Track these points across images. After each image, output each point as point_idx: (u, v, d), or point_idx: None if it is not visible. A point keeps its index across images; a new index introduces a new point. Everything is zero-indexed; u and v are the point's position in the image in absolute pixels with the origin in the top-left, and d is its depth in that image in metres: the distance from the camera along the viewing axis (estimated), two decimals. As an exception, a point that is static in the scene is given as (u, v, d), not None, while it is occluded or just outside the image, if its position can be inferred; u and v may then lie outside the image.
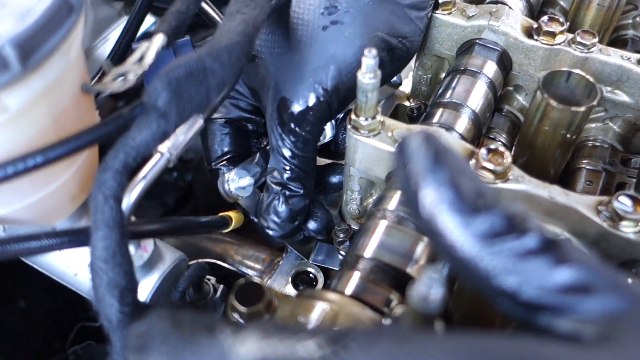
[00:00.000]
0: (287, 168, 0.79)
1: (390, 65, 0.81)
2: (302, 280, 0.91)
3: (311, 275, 0.91)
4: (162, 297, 0.72)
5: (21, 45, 0.43)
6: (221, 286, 0.81)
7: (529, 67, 0.94)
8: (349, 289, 0.67)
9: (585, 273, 0.32)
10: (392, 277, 0.64)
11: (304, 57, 0.75)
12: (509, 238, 0.33)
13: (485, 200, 0.35)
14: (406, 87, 1.13)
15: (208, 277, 0.79)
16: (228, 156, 0.86)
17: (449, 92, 0.90)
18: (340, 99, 0.78)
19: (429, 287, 0.35)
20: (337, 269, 0.90)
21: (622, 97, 0.91)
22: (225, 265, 0.96)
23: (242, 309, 0.58)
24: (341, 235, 0.87)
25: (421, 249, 0.69)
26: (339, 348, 0.29)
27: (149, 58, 0.59)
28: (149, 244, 0.69)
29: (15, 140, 0.49)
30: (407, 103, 1.10)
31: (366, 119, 0.76)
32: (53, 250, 0.58)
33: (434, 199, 0.35)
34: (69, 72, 0.52)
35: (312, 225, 0.85)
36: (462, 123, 0.86)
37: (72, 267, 0.70)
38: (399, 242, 0.70)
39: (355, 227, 0.90)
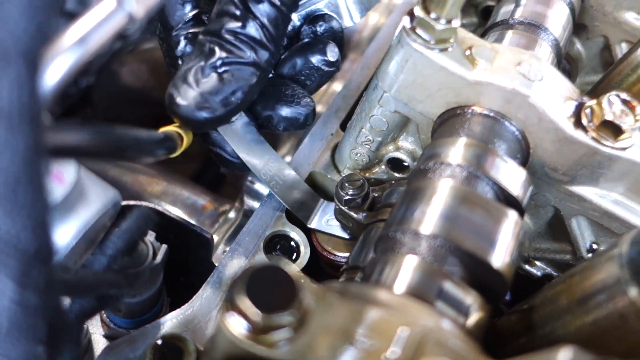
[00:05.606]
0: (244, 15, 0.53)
1: None
2: (282, 248, 0.62)
3: (292, 243, 0.63)
4: (76, 265, 0.47)
5: None
6: (163, 247, 0.58)
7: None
8: (408, 286, 0.41)
9: None
10: (468, 268, 0.45)
11: None
12: None
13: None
14: None
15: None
16: (193, 15, 0.58)
17: (519, 9, 0.64)
18: None
19: None
20: (344, 236, 0.62)
21: None
22: (171, 212, 0.65)
23: (255, 316, 0.30)
24: (350, 192, 0.60)
25: (511, 229, 0.44)
26: None
27: None
28: (67, 171, 0.42)
29: None
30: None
31: (439, 20, 0.49)
32: None
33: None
34: None
35: (284, 110, 0.59)
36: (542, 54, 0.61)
37: None
38: (480, 217, 0.45)
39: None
